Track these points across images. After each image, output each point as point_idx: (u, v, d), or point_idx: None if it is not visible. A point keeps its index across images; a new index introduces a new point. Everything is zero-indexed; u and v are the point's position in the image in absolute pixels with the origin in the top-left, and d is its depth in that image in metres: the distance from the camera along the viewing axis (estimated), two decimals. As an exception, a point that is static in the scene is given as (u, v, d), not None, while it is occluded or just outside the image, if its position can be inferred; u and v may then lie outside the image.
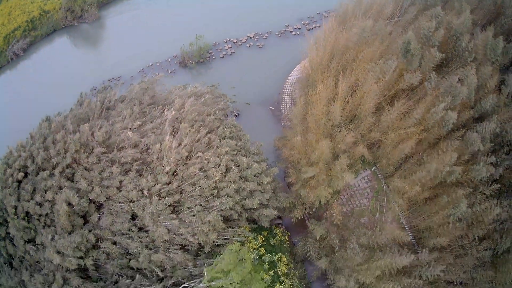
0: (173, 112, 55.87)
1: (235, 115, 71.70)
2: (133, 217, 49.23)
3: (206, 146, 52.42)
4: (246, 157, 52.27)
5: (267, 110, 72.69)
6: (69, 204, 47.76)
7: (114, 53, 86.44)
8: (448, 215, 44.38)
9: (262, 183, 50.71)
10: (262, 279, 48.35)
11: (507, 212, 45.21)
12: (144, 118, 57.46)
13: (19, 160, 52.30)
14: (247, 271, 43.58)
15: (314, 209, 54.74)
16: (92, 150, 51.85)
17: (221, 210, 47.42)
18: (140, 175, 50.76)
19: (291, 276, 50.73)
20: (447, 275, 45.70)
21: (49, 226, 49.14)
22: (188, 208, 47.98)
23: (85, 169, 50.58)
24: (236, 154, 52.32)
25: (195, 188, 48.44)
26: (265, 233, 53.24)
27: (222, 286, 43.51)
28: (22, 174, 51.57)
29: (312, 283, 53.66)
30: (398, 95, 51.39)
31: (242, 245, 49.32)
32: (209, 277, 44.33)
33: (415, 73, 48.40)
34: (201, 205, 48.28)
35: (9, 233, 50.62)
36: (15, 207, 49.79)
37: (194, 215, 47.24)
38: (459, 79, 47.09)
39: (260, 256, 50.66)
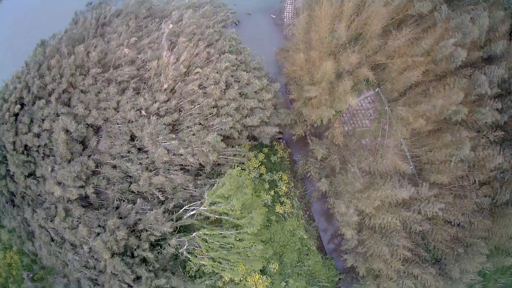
0: (170, 25, 52.21)
1: (235, 23, 67.30)
2: (132, 138, 48.03)
3: (205, 61, 49.62)
4: (247, 72, 49.50)
5: (268, 19, 67.85)
6: (67, 131, 46.65)
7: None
8: (451, 154, 42.76)
9: (263, 99, 48.77)
10: (263, 201, 49.07)
11: (509, 163, 44.02)
12: (141, 33, 54.13)
13: (14, 93, 50.50)
14: (248, 196, 43.78)
15: (315, 126, 53.64)
16: (88, 71, 49.47)
17: (221, 129, 46.40)
18: (137, 93, 48.91)
19: (291, 195, 51.25)
20: (446, 214, 45.19)
21: (48, 156, 48.50)
22: (188, 127, 46.85)
23: (82, 92, 48.61)
24: (236, 69, 49.35)
25: (194, 106, 46.86)
26: (266, 150, 52.18)
27: (223, 210, 44.12)
28: (18, 106, 50.16)
29: (312, 203, 54.44)
30: (406, 20, 47.83)
31: (243, 169, 48.58)
32: (210, 201, 44.98)
33: (425, 1, 44.52)
34: (200, 123, 46.83)
35: (9, 171, 50.22)
36: (14, 142, 48.99)
37: (193, 134, 46.24)
38: (471, 18, 44.11)
39: (261, 175, 50.85)
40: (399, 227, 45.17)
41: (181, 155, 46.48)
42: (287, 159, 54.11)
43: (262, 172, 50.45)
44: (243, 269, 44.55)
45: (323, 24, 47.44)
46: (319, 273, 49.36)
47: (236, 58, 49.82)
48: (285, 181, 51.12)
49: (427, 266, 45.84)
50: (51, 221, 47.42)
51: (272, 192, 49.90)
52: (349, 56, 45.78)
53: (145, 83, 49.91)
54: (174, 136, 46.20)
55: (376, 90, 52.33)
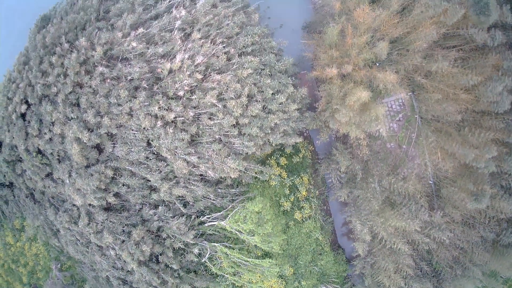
0: (183, 11, 45.81)
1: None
2: (149, 142, 46.26)
3: (224, 63, 44.76)
4: (271, 75, 45.25)
5: None
6: (79, 139, 44.39)
7: None
8: (471, 199, 42.68)
9: (288, 110, 45.42)
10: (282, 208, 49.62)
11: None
12: (149, 14, 47.49)
13: (18, 92, 47.00)
14: (268, 230, 44.37)
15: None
16: (94, 67, 44.83)
17: (243, 150, 44.24)
18: (151, 95, 45.06)
19: (311, 196, 51.34)
20: (452, 240, 47.48)
21: (63, 160, 47.13)
22: (207, 142, 44.51)
23: (90, 92, 44.86)
24: (260, 74, 45.00)
25: (213, 121, 43.78)
26: (288, 151, 50.61)
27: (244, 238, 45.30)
28: (24, 106, 47.10)
29: (330, 202, 54.64)
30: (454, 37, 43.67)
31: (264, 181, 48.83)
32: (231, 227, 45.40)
33: (481, 31, 40.05)
34: (220, 139, 44.69)
35: (25, 170, 49.26)
36: (26, 144, 47.13)
37: (213, 150, 44.33)
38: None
39: (282, 179, 50.15)
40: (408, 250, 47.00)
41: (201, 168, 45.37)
42: (309, 157, 52.48)
43: (283, 176, 49.54)
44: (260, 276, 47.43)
45: (360, 38, 41.92)
46: (330, 270, 52.35)
47: (260, 60, 44.70)
48: (305, 184, 50.49)
49: (426, 281, 48.94)
50: (74, 223, 48.40)
51: (292, 198, 49.77)
52: (387, 76, 41.23)
53: (158, 80, 45.77)
54: (193, 151, 44.48)
55: (409, 94, 48.41)
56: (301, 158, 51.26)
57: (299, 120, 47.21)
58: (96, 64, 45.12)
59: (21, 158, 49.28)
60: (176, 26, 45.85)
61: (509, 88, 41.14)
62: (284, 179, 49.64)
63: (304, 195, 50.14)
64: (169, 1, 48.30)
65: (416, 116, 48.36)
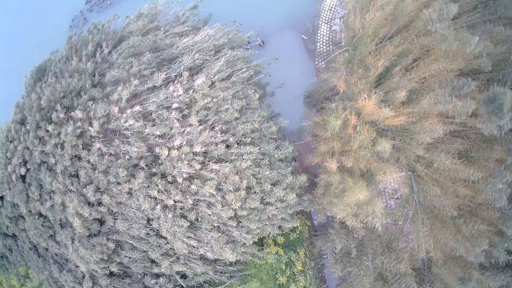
0: (180, 91, 44.75)
1: (260, 44, 57.37)
2: (149, 220, 46.64)
3: (223, 151, 44.24)
4: (270, 166, 44.92)
5: (298, 40, 57.45)
6: (80, 214, 44.90)
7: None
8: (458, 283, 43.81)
9: (286, 199, 45.33)
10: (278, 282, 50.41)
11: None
12: (146, 86, 45.95)
13: (16, 154, 47.05)
14: None
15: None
16: (91, 141, 44.61)
17: (241, 240, 44.53)
18: (150, 175, 44.82)
19: (306, 269, 52.09)
20: None
21: (66, 226, 47.92)
22: (206, 229, 44.77)
23: (89, 167, 44.78)
24: (259, 164, 44.65)
25: (212, 211, 43.85)
26: (286, 230, 50.94)
27: None
28: (24, 169, 47.30)
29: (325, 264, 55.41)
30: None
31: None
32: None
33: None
34: (219, 227, 44.93)
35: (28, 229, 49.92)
36: (27, 207, 47.86)
37: (212, 237, 44.67)
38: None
39: (279, 256, 50.76)
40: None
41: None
42: (307, 231, 52.89)
43: (280, 253, 50.18)
44: None
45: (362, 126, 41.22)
46: None
47: (259, 150, 44.15)
48: (301, 259, 51.22)
49: None
50: (79, 283, 50.06)
51: (287, 273, 50.66)
52: (389, 173, 41.13)
53: (157, 159, 45.44)
54: (192, 235, 45.21)
55: (409, 173, 48.30)
56: (298, 234, 51.71)
57: (297, 204, 47.23)
58: (93, 138, 44.51)
59: (23, 216, 49.81)
60: (173, 107, 44.92)
61: (509, 183, 40.82)
62: (281, 255, 50.21)
63: (299, 269, 50.86)
64: (166, 74, 46.96)
65: (414, 195, 48.33)
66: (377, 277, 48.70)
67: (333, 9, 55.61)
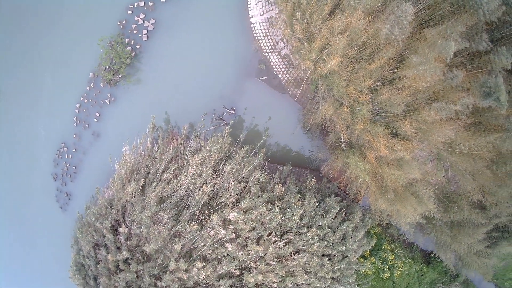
0: (221, 231, 45.55)
1: (232, 113, 55.01)
2: None
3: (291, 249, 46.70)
4: (331, 228, 47.65)
5: (261, 84, 54.34)
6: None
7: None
8: None
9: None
10: None
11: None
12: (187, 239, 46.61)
13: None
14: None
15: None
16: None
17: None
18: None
19: (396, 252, 57.62)
20: None
21: None
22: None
23: None
24: (322, 235, 47.31)
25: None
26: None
27: None
28: None
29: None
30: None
31: None
32: None
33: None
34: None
35: None
36: None
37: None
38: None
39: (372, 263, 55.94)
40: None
41: None
42: (379, 230, 57.05)
43: (372, 261, 55.34)
44: None
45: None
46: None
47: (316, 229, 46.50)
48: (389, 248, 56.42)
49: None
50: None
51: (387, 267, 56.40)
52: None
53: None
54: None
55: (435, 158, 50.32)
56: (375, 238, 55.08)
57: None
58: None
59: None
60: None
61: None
62: (374, 262, 55.41)
63: (392, 258, 56.34)
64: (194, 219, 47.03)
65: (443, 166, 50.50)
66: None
67: (268, 33, 51.41)
